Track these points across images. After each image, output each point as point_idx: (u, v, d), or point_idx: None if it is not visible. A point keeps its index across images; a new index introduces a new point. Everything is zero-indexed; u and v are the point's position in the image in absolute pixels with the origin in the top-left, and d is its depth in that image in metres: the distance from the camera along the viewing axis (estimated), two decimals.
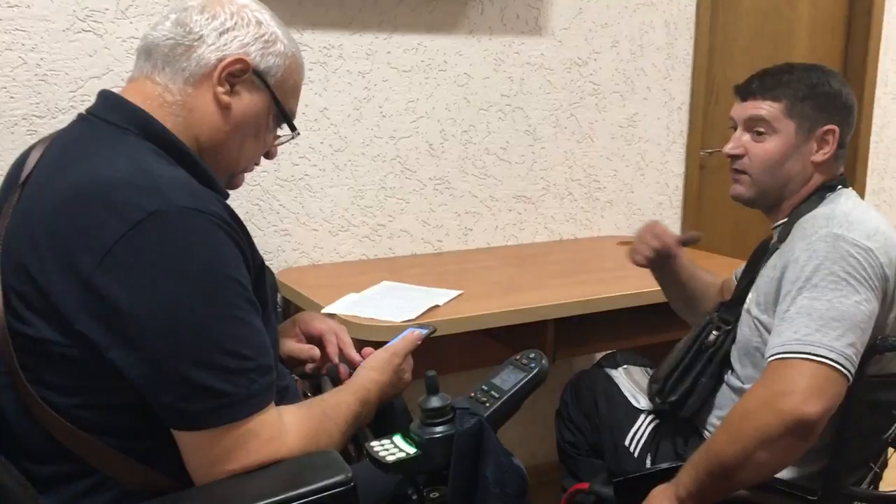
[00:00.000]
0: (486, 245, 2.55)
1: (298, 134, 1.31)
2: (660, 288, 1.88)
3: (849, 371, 1.28)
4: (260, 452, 1.06)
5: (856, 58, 3.19)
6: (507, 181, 2.55)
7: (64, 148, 1.15)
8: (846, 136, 1.54)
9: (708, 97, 2.86)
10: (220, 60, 1.16)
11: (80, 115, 1.20)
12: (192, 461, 1.06)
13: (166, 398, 1.02)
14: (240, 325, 1.06)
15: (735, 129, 1.58)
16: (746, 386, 1.53)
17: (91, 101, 1.94)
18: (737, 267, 1.79)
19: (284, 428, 1.09)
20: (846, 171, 3.31)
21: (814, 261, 1.35)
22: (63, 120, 1.94)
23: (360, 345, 1.51)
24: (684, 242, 1.75)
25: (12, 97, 1.90)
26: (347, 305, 1.83)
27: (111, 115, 1.15)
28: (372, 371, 1.31)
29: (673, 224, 2.87)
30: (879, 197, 3.34)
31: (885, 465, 1.53)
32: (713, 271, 1.88)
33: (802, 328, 1.30)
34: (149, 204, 1.01)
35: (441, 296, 1.90)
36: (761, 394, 1.30)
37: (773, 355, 1.32)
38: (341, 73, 2.25)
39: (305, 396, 1.38)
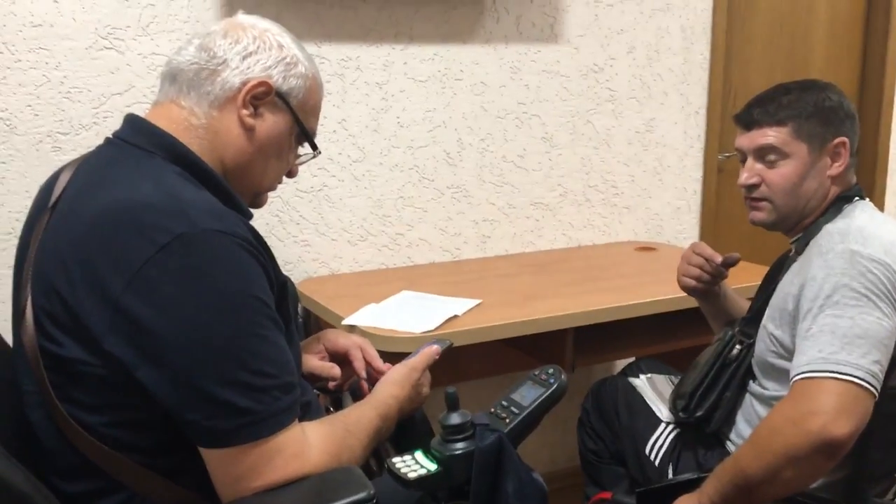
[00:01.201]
0: (504, 252, 2.56)
1: (320, 153, 1.33)
2: (692, 301, 1.87)
3: (875, 388, 1.28)
4: (285, 469, 1.07)
5: (874, 58, 3.17)
6: (524, 188, 2.56)
7: (91, 172, 1.18)
8: (855, 144, 1.54)
9: (725, 101, 2.85)
10: (243, 84, 1.18)
11: (107, 139, 1.23)
12: (218, 478, 1.08)
13: (192, 416, 1.04)
14: (264, 344, 1.08)
15: (743, 160, 1.57)
16: (769, 394, 1.53)
17: (113, 117, 1.99)
18: (753, 271, 1.80)
19: (308, 444, 1.11)
20: (866, 173, 3.32)
21: (832, 278, 1.35)
22: (86, 136, 1.98)
23: (380, 355, 1.52)
24: (726, 264, 1.71)
25: (37, 115, 1.94)
26: (367, 317, 1.85)
27: (137, 138, 1.18)
28: (392, 386, 1.32)
29: (691, 229, 2.87)
30: None
31: None
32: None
33: (827, 346, 1.30)
34: (175, 227, 1.04)
35: (460, 305, 1.91)
36: (789, 413, 1.29)
37: (798, 374, 1.31)
38: (359, 85, 2.27)
39: (328, 411, 1.40)
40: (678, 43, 2.72)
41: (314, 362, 1.48)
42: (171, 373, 1.03)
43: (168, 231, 1.03)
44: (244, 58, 1.19)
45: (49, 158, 1.95)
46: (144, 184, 1.10)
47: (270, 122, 1.21)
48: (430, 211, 2.43)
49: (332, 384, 1.47)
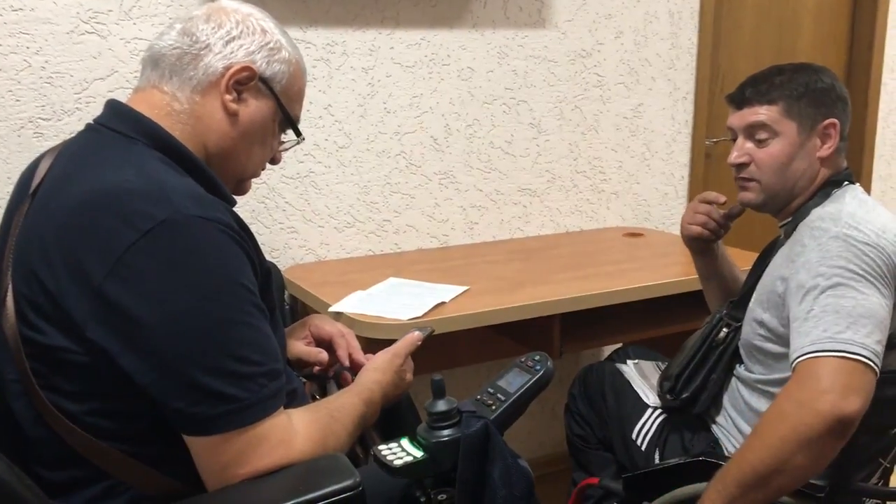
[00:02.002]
0: (491, 239, 2.56)
1: (304, 139, 1.32)
2: (697, 278, 1.87)
3: (878, 368, 1.28)
4: (271, 456, 1.07)
5: (862, 43, 3.17)
6: (511, 174, 2.55)
7: (73, 157, 1.16)
8: (846, 127, 1.54)
9: (713, 86, 2.85)
10: (227, 68, 1.18)
11: (88, 125, 1.21)
12: (204, 466, 1.07)
13: (177, 404, 1.03)
14: (249, 331, 1.07)
15: (734, 139, 1.57)
16: (754, 377, 1.53)
17: (96, 102, 1.97)
18: (743, 257, 1.80)
19: (294, 431, 1.10)
20: (853, 157, 3.33)
21: (829, 260, 1.35)
22: (69, 122, 1.96)
23: (367, 342, 1.52)
24: (729, 215, 1.73)
25: (18, 100, 1.91)
26: (354, 304, 1.84)
27: (119, 124, 1.16)
28: (374, 372, 1.33)
29: (679, 214, 2.86)
30: (886, 183, 3.32)
31: (895, 459, 1.53)
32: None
33: (832, 326, 1.29)
34: (158, 212, 1.03)
35: (447, 292, 1.91)
36: (796, 395, 1.27)
37: (803, 354, 1.29)
38: (345, 70, 2.25)
39: (313, 398, 1.40)
40: (666, 28, 2.71)
41: (301, 347, 1.48)
42: (154, 360, 1.02)
43: (151, 217, 1.02)
44: (227, 42, 1.18)
45: (31, 144, 1.93)
46: (127, 170, 1.09)
47: (254, 108, 1.21)
48: (418, 197, 2.42)
49: (317, 369, 1.47)
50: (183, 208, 1.04)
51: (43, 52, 1.92)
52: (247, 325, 1.07)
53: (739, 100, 1.56)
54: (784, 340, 1.43)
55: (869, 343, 1.28)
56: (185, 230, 1.04)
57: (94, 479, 1.11)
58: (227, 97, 1.18)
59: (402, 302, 1.84)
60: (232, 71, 1.17)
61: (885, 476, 1.52)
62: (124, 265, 1.01)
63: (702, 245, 1.78)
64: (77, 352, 1.04)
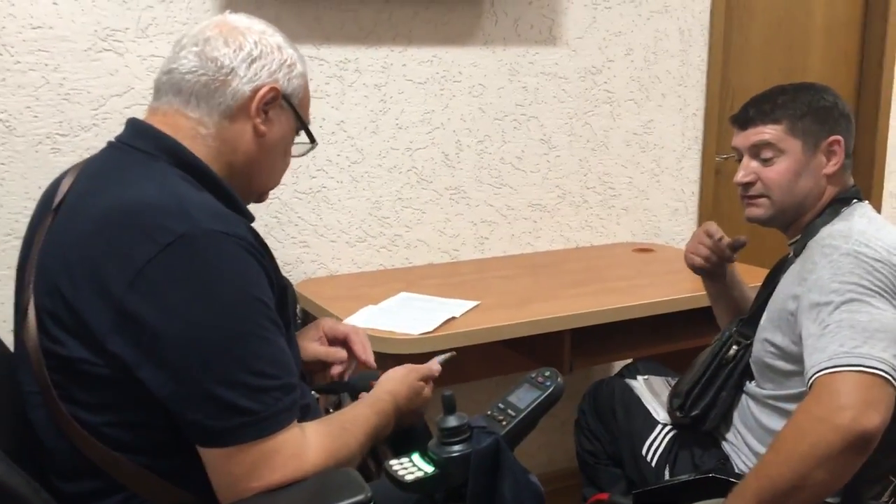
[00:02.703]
0: (502, 254, 2.57)
1: (317, 144, 1.35)
2: (690, 303, 1.91)
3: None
4: (284, 469, 1.08)
5: (872, 61, 3.18)
6: (522, 190, 2.57)
7: (95, 174, 1.19)
8: (850, 144, 1.55)
9: (723, 103, 2.86)
10: (254, 92, 1.19)
11: (110, 143, 1.24)
12: (217, 478, 1.08)
13: (193, 416, 1.05)
14: (265, 345, 1.09)
15: (739, 159, 1.59)
16: (766, 393, 1.53)
17: (112, 119, 2.00)
18: (752, 273, 1.81)
19: (307, 444, 1.12)
20: (864, 174, 3.33)
21: (841, 276, 1.35)
22: (85, 138, 1.98)
23: (378, 357, 1.53)
24: (733, 247, 1.75)
25: (36, 116, 1.94)
26: (365, 318, 1.86)
27: (141, 142, 1.19)
28: (388, 382, 1.35)
29: (689, 230, 2.87)
30: None
31: None
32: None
33: (849, 341, 1.29)
34: (178, 227, 1.05)
35: (458, 307, 1.92)
36: (815, 411, 1.27)
37: (820, 370, 1.29)
38: (357, 87, 2.27)
39: (327, 412, 1.41)
40: (676, 45, 2.73)
41: (319, 348, 1.50)
42: (172, 372, 1.04)
43: (171, 231, 1.05)
44: (250, 64, 1.19)
45: (48, 160, 1.96)
46: (148, 185, 1.11)
47: (277, 125, 1.24)
48: (429, 212, 2.43)
49: (336, 370, 1.48)
50: (202, 223, 1.07)
51: (61, 69, 1.95)
52: (263, 340, 1.08)
53: (744, 120, 1.57)
54: (796, 358, 1.43)
55: (886, 357, 1.27)
56: (203, 244, 1.06)
57: (110, 491, 1.12)
58: (258, 120, 1.21)
59: (414, 316, 1.85)
60: (261, 94, 1.19)
61: None
62: (144, 278, 1.03)
63: (705, 272, 1.80)
64: (97, 363, 1.06)
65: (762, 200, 1.56)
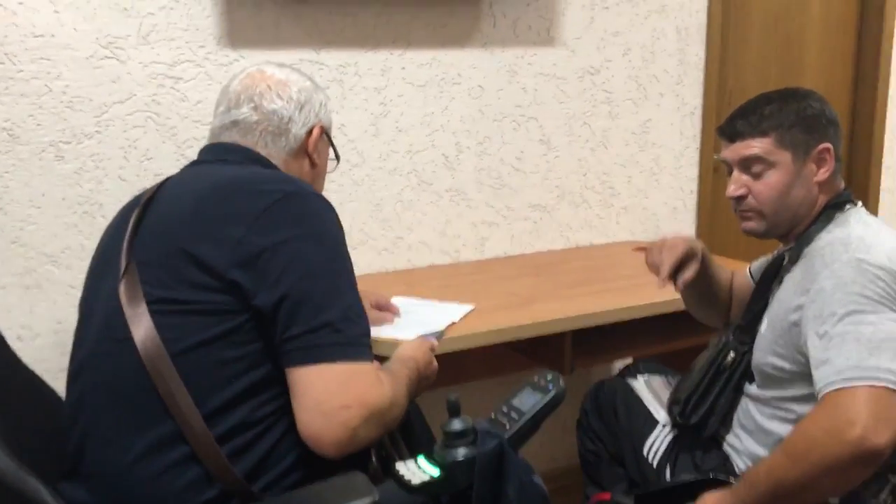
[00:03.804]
0: (503, 254, 2.59)
1: (340, 161, 1.60)
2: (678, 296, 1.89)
3: None
4: (371, 392, 1.20)
5: (868, 57, 3.19)
6: (522, 190, 2.58)
7: (189, 175, 1.39)
8: (839, 150, 1.55)
9: (720, 102, 2.87)
10: (308, 134, 1.45)
11: (193, 162, 1.42)
12: (309, 396, 1.18)
13: (296, 329, 1.19)
14: (355, 291, 1.27)
15: (730, 171, 1.58)
16: (769, 394, 1.54)
17: (115, 126, 2.03)
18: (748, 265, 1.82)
19: (382, 380, 1.25)
20: (861, 171, 3.34)
21: (843, 287, 1.35)
22: (88, 145, 2.00)
23: (382, 361, 1.55)
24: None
25: (39, 124, 1.95)
26: None
27: (230, 156, 1.38)
28: (406, 350, 1.49)
29: (688, 228, 2.89)
30: (894, 196, 3.33)
31: None
32: (722, 265, 1.89)
33: (855, 354, 1.29)
34: (286, 188, 1.27)
35: (456, 311, 1.93)
36: (825, 424, 1.28)
37: (830, 385, 1.30)
38: (357, 90, 2.29)
39: None
40: (673, 44, 2.75)
41: (374, 314, 1.73)
42: (281, 291, 1.18)
43: (281, 190, 1.25)
44: (300, 111, 1.44)
45: (51, 167, 1.97)
46: (252, 168, 1.36)
47: (323, 154, 1.51)
48: (429, 214, 2.45)
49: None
50: (304, 186, 1.30)
51: (63, 77, 1.96)
52: (354, 286, 1.27)
53: (731, 133, 1.56)
54: (799, 363, 1.44)
55: (894, 368, 1.28)
56: (310, 200, 1.27)
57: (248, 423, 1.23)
58: (314, 156, 1.47)
59: (414, 321, 1.86)
60: (314, 136, 1.46)
61: (895, 492, 1.54)
62: (261, 221, 1.21)
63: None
64: (209, 302, 1.20)
65: (754, 214, 1.56)
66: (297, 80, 1.46)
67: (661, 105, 2.77)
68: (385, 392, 1.23)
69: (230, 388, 1.20)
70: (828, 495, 1.37)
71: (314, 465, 1.23)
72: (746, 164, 1.55)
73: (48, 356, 2.02)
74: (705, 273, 1.77)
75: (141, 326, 1.20)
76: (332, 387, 1.17)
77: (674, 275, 1.67)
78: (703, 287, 1.81)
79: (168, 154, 2.09)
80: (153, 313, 1.21)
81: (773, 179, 1.53)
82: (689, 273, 1.67)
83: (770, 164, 1.52)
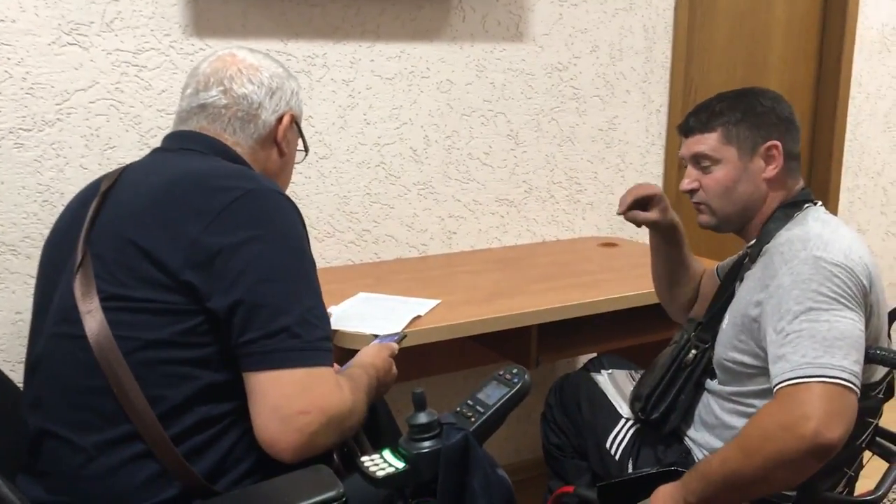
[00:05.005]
0: (469, 248, 2.59)
1: (308, 152, 1.56)
2: (654, 298, 1.94)
3: (858, 388, 1.31)
4: (330, 397, 1.18)
5: (830, 57, 3.25)
6: (489, 185, 2.59)
7: (150, 164, 1.35)
8: (792, 148, 1.58)
9: (686, 99, 2.91)
10: (278, 121, 1.42)
11: (156, 149, 1.38)
12: (266, 402, 1.16)
13: (252, 334, 1.16)
14: (316, 293, 1.23)
15: (686, 166, 1.64)
16: (730, 389, 1.57)
17: (77, 113, 1.99)
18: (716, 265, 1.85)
19: (343, 384, 1.23)
20: (822, 170, 3.39)
21: (801, 284, 1.38)
22: (50, 133, 1.96)
23: (349, 354, 1.55)
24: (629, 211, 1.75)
25: None
26: (332, 320, 1.85)
27: (192, 144, 1.34)
28: (366, 356, 1.46)
29: None
30: (854, 194, 3.40)
31: (859, 468, 1.58)
32: (700, 260, 1.93)
33: (810, 351, 1.32)
34: (246, 185, 1.23)
35: (421, 306, 1.93)
36: (779, 418, 1.30)
37: (784, 380, 1.32)
38: (325, 82, 2.28)
39: None
40: (640, 42, 2.77)
41: None
42: (238, 295, 1.16)
43: (241, 188, 1.22)
44: (271, 97, 1.40)
45: (11, 155, 1.93)
46: (213, 161, 1.31)
47: (292, 143, 1.47)
48: (397, 207, 2.45)
49: None
50: (265, 183, 1.26)
51: (24, 63, 1.92)
52: (314, 289, 1.23)
53: (685, 129, 1.63)
54: (759, 358, 1.47)
55: (847, 365, 1.31)
56: (269, 198, 1.23)
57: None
58: (283, 144, 1.43)
59: (380, 315, 1.86)
60: (284, 124, 1.42)
61: (850, 485, 1.57)
62: (220, 220, 1.18)
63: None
64: (162, 301, 1.17)
65: (704, 208, 1.62)
66: (269, 66, 1.42)
67: (627, 102, 2.79)
68: (345, 398, 1.21)
69: (186, 387, 1.18)
70: (780, 488, 1.40)
71: (276, 466, 1.20)
72: (696, 159, 1.61)
73: (6, 346, 1.99)
74: (678, 250, 1.84)
75: (94, 323, 1.18)
76: (289, 392, 1.15)
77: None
78: (675, 263, 1.85)
79: (131, 143, 2.06)
80: (106, 310, 1.18)
81: (719, 175, 1.58)
82: (650, 214, 1.74)
83: (716, 160, 1.57)
